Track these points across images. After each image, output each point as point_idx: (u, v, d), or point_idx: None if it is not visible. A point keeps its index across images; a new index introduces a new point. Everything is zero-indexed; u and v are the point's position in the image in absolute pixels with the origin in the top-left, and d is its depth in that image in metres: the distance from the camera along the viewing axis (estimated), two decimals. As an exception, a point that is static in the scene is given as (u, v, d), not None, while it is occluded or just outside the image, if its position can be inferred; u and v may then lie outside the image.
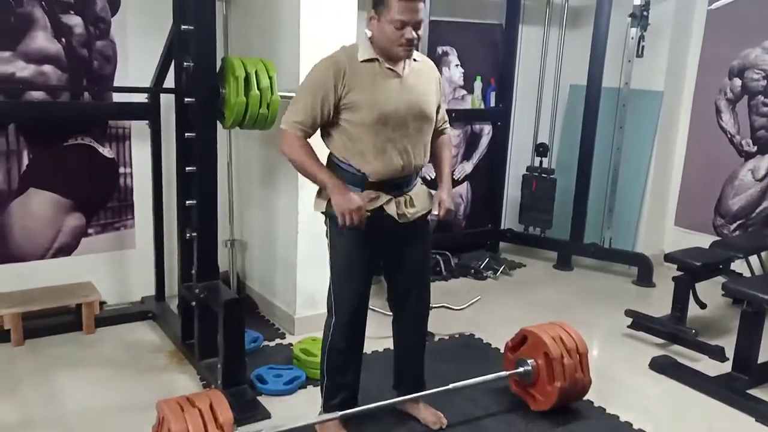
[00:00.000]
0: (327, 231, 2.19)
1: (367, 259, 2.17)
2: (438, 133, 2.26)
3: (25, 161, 3.05)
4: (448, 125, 2.32)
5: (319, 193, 2.14)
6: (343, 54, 2.04)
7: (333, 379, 2.24)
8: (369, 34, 2.03)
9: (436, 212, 2.17)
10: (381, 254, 2.22)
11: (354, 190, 2.04)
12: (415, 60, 2.11)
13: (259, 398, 2.50)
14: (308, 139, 2.06)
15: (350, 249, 2.12)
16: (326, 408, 2.27)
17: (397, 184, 2.10)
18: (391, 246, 2.19)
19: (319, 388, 2.31)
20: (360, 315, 2.21)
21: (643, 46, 4.06)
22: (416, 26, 1.97)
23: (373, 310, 3.36)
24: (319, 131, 2.12)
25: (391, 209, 2.09)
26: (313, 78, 2.04)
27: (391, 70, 2.03)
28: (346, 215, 1.97)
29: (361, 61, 2.01)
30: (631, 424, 2.48)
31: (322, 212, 2.15)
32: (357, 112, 2.01)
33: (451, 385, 2.40)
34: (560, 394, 2.40)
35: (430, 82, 2.15)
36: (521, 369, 2.49)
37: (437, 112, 2.20)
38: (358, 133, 2.02)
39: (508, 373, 2.53)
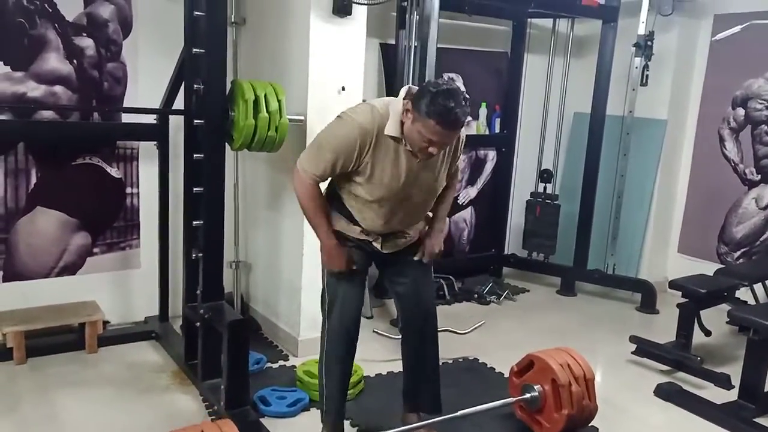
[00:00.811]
0: None
1: (362, 260, 2.23)
2: (449, 183, 2.27)
3: (33, 180, 3.08)
4: (458, 175, 2.35)
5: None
6: (373, 120, 2.00)
7: (329, 384, 2.23)
8: (400, 115, 1.98)
9: (418, 256, 2.27)
10: (379, 264, 2.31)
11: (348, 223, 2.16)
12: None
13: (262, 420, 2.48)
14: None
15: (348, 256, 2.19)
16: (325, 418, 2.25)
17: (391, 234, 2.20)
18: (384, 258, 2.26)
19: (319, 410, 2.30)
20: (354, 313, 2.22)
21: (647, 75, 4.12)
22: (442, 147, 1.97)
23: (378, 333, 3.36)
24: None
25: (378, 244, 2.19)
26: (339, 137, 2.00)
27: (412, 153, 2.01)
28: (331, 264, 2.15)
29: (388, 136, 2.00)
30: (638, 453, 2.45)
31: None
32: (368, 182, 2.05)
33: (460, 413, 2.37)
34: (567, 422, 2.37)
35: (449, 152, 2.13)
36: (528, 395, 2.46)
37: (450, 169, 2.22)
38: (363, 196, 2.08)
39: (515, 399, 2.51)
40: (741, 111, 4.19)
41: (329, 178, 2.12)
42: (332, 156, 2.00)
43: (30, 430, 2.38)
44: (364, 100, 3.23)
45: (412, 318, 2.33)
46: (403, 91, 2.02)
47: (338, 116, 2.07)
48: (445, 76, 4.22)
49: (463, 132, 2.14)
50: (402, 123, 1.98)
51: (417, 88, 1.98)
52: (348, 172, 2.05)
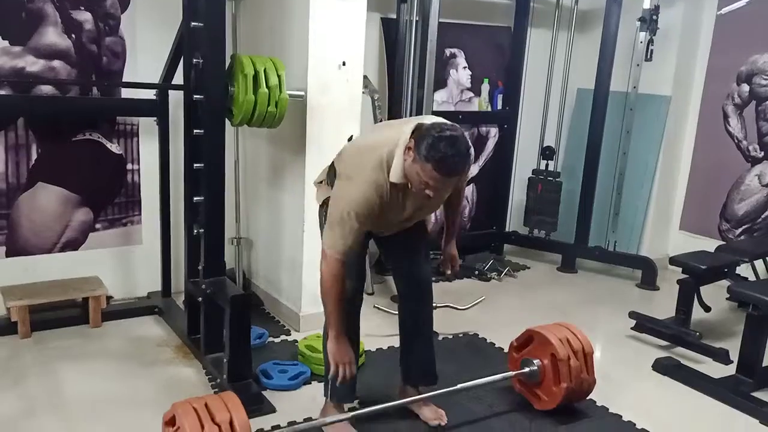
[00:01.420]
0: (323, 218, 2.21)
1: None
2: (458, 199, 2.36)
3: (34, 155, 3.08)
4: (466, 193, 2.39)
5: (320, 185, 2.24)
6: (382, 171, 1.96)
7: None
8: (400, 163, 1.94)
9: (449, 271, 2.43)
10: (377, 238, 2.32)
11: None
12: None
13: (265, 393, 2.51)
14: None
15: None
16: (332, 396, 2.28)
17: None
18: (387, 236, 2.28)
19: (323, 384, 2.33)
20: (356, 290, 2.23)
21: (651, 50, 4.07)
22: (438, 191, 1.94)
23: (379, 308, 3.38)
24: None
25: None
26: (359, 202, 1.95)
27: (415, 194, 2.00)
28: (339, 365, 2.09)
29: (392, 183, 1.97)
30: (634, 424, 2.48)
31: (321, 202, 2.23)
32: (375, 223, 2.07)
33: (459, 386, 2.40)
34: (565, 395, 2.40)
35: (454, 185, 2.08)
36: (527, 369, 2.49)
37: (460, 189, 2.31)
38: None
39: (514, 373, 2.53)
40: (746, 87, 4.15)
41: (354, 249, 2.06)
42: (358, 224, 1.97)
43: (36, 402, 2.42)
44: (365, 77, 3.22)
45: (410, 290, 2.35)
46: (411, 125, 1.95)
47: (346, 175, 2.00)
48: (447, 51, 4.19)
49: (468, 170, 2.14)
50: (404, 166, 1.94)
51: (421, 127, 1.93)
52: None
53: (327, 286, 2.04)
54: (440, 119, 2.01)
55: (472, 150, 1.88)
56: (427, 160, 1.84)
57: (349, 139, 2.36)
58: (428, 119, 2.01)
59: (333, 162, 2.19)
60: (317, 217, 2.29)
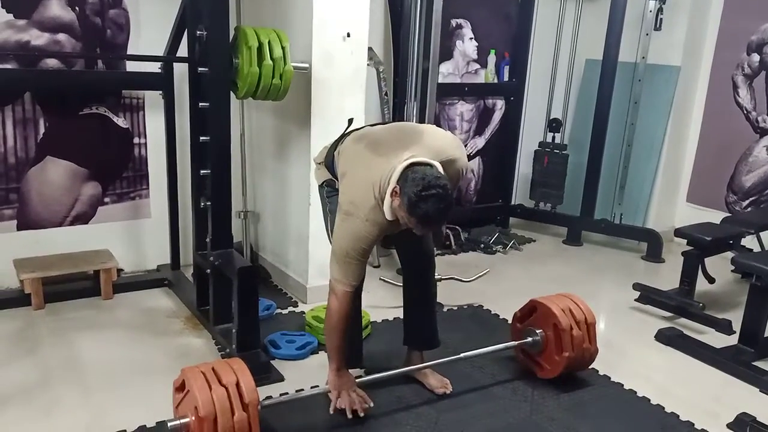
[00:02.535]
0: (325, 198, 2.28)
1: None
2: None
3: (42, 130, 3.10)
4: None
5: (319, 166, 2.28)
6: (376, 210, 2.00)
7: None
8: (389, 202, 1.97)
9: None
10: None
11: None
12: None
13: (273, 362, 2.56)
14: None
15: None
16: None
17: None
18: None
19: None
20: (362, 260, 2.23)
21: (661, 19, 4.00)
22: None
23: (384, 281, 3.42)
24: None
25: None
26: (361, 239, 2.01)
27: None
28: (338, 394, 2.18)
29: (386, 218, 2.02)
30: (635, 392, 2.52)
31: (322, 182, 2.28)
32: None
33: (462, 354, 2.44)
34: (567, 364, 2.44)
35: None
36: (530, 339, 2.52)
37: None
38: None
39: (517, 343, 2.57)
40: (756, 57, 4.09)
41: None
42: (364, 258, 2.06)
43: (51, 370, 2.49)
44: (369, 48, 3.20)
45: (413, 260, 2.40)
46: (397, 173, 1.95)
47: (345, 211, 2.02)
48: (453, 22, 4.14)
49: (465, 165, 2.15)
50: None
51: (410, 171, 1.92)
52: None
53: (334, 322, 2.10)
54: (427, 165, 1.96)
55: (453, 201, 1.95)
56: (410, 213, 1.91)
57: (350, 122, 2.34)
58: (420, 153, 1.99)
59: (333, 148, 2.21)
60: (317, 194, 2.35)
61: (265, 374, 2.44)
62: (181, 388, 1.92)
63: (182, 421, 1.86)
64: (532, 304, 2.57)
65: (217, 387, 1.84)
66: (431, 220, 1.93)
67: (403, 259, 2.46)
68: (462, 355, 2.44)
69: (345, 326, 2.12)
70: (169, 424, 1.87)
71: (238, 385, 1.86)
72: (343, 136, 2.24)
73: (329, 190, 2.28)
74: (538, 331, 2.50)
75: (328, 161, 2.24)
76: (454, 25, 4.17)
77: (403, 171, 1.95)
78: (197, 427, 1.81)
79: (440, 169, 1.98)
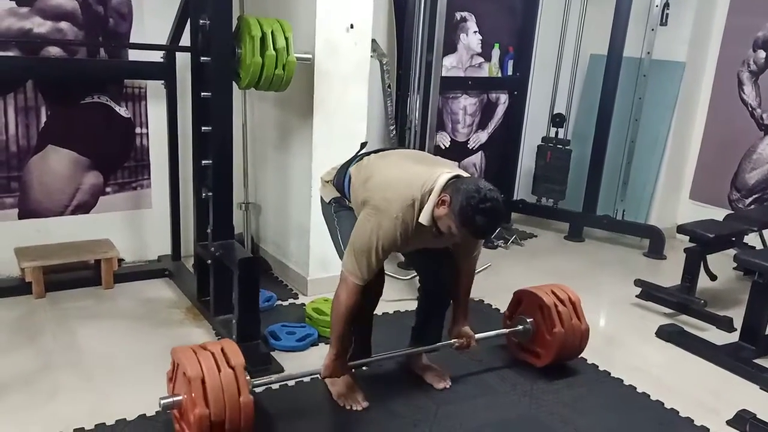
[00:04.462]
0: (333, 214, 2.27)
1: None
2: (466, 259, 2.30)
3: (44, 118, 3.09)
4: (480, 249, 2.34)
5: (327, 184, 2.28)
6: (412, 209, 1.97)
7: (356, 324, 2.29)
8: (431, 209, 1.96)
9: (458, 343, 2.36)
10: None
11: None
12: None
13: (273, 354, 2.57)
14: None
15: None
16: (352, 356, 2.32)
17: None
18: None
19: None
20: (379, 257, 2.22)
21: (667, 14, 3.98)
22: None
23: (387, 274, 3.41)
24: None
25: None
26: (383, 237, 1.98)
27: (437, 234, 2.02)
28: (329, 377, 2.19)
29: (420, 222, 1.98)
30: (635, 387, 2.52)
31: (330, 200, 2.27)
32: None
33: (454, 341, 2.41)
34: (560, 343, 2.45)
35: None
36: (520, 327, 2.56)
37: (473, 251, 2.28)
38: None
39: (508, 330, 2.60)
40: (762, 53, 4.07)
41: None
42: (382, 257, 2.02)
43: (52, 357, 2.49)
44: (373, 40, 3.18)
45: (433, 289, 2.41)
46: (444, 172, 1.98)
47: (374, 206, 2.00)
48: (457, 15, 4.12)
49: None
50: (433, 213, 1.96)
51: (460, 182, 1.92)
52: None
53: (341, 312, 2.08)
54: (475, 179, 1.96)
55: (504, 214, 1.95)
56: (463, 225, 1.88)
57: (362, 146, 2.32)
58: (463, 174, 2.02)
59: (345, 167, 2.20)
60: (320, 210, 2.36)
61: (265, 365, 2.44)
62: (172, 372, 1.97)
63: (175, 398, 1.91)
64: (517, 296, 2.63)
65: (203, 352, 1.92)
66: (484, 233, 1.94)
67: (424, 281, 2.45)
68: (454, 341, 2.40)
69: (351, 317, 2.10)
70: (162, 401, 1.92)
71: (223, 350, 1.94)
72: (356, 157, 2.23)
73: (337, 206, 2.26)
74: (528, 320, 2.55)
75: (339, 179, 2.22)
76: (458, 18, 4.15)
77: (449, 181, 1.95)
78: (187, 390, 1.85)
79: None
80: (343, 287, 2.07)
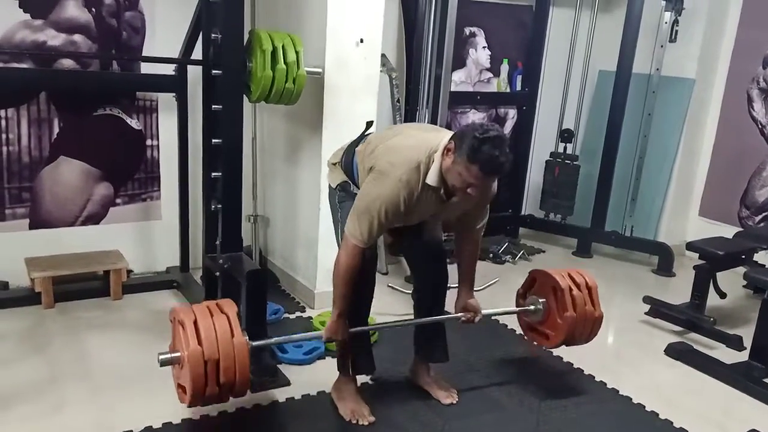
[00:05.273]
0: (337, 204, 2.27)
1: None
2: (471, 228, 2.27)
3: (56, 129, 3.13)
4: (486, 218, 2.31)
5: (334, 167, 2.26)
6: (417, 172, 1.97)
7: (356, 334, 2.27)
8: (438, 167, 1.96)
9: (465, 317, 2.34)
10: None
11: None
12: None
13: (279, 366, 2.56)
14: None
15: None
16: (352, 369, 2.33)
17: None
18: None
19: (336, 359, 2.37)
20: (372, 263, 2.25)
21: (676, 31, 3.99)
22: (481, 192, 1.96)
23: (392, 288, 3.41)
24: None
25: None
26: (385, 197, 1.97)
27: (444, 199, 2.03)
28: (331, 338, 2.17)
29: (428, 185, 1.98)
30: (644, 406, 2.49)
31: (336, 185, 2.26)
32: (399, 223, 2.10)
33: (460, 314, 2.37)
34: (570, 326, 2.41)
35: (480, 198, 2.09)
36: (532, 306, 2.52)
37: (481, 211, 2.24)
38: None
39: (519, 309, 2.57)
40: (772, 70, 4.06)
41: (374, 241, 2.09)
42: (385, 220, 1.99)
43: (61, 367, 2.50)
44: (383, 55, 3.20)
45: (421, 255, 2.38)
46: (446, 140, 1.97)
47: (379, 170, 2.00)
48: (467, 30, 4.15)
49: (496, 184, 2.15)
50: (441, 168, 1.96)
51: (461, 131, 1.95)
52: None
53: (341, 273, 2.07)
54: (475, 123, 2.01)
55: (511, 148, 1.92)
56: (471, 161, 1.86)
57: (368, 124, 2.33)
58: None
59: (352, 148, 2.20)
60: (327, 198, 2.34)
61: (271, 377, 2.44)
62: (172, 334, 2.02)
63: (173, 354, 1.94)
64: (533, 276, 2.58)
65: (199, 306, 1.99)
66: (495, 164, 1.86)
67: (409, 259, 2.45)
68: (460, 315, 2.37)
69: (351, 278, 2.07)
70: (160, 357, 1.94)
71: (218, 304, 1.99)
72: (363, 136, 2.24)
73: (342, 195, 2.26)
74: (540, 300, 2.51)
75: (347, 160, 2.22)
76: (467, 33, 4.17)
77: (453, 135, 1.97)
78: (183, 337, 1.87)
79: None
80: (344, 248, 2.07)
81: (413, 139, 2.06)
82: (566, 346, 2.53)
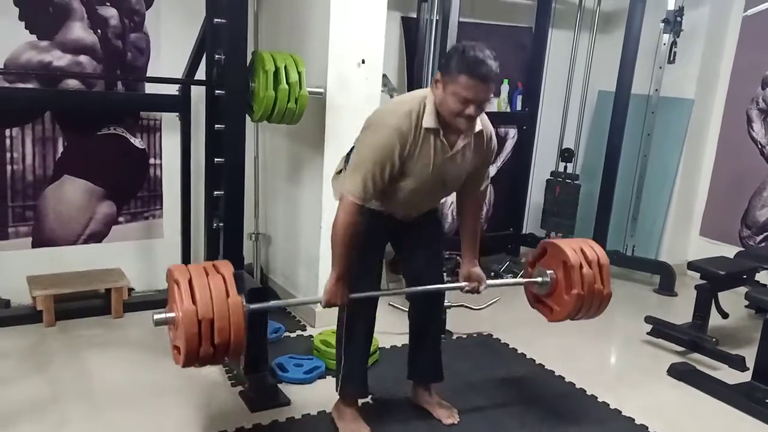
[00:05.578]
0: None
1: (381, 238, 2.26)
2: (474, 193, 2.25)
3: (60, 148, 3.15)
4: (488, 181, 2.30)
5: (338, 176, 2.24)
6: (408, 118, 1.96)
7: (349, 355, 2.27)
8: (433, 97, 1.97)
9: (469, 287, 2.29)
10: (394, 238, 2.31)
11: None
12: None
13: (280, 385, 2.55)
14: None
15: (365, 230, 2.14)
16: (342, 392, 2.31)
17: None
18: (402, 228, 2.25)
19: (335, 379, 2.35)
20: (372, 286, 2.25)
21: (675, 52, 4.03)
22: (481, 105, 1.93)
23: (393, 306, 3.41)
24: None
25: (399, 215, 2.21)
26: (376, 146, 1.96)
27: (444, 144, 2.01)
28: (330, 303, 2.12)
29: (425, 129, 1.97)
30: (647, 427, 2.47)
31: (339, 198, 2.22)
32: (401, 180, 2.04)
33: (465, 284, 2.32)
34: (576, 303, 2.32)
35: (479, 153, 2.11)
36: (539, 278, 2.42)
37: (481, 173, 2.21)
38: (390, 191, 2.06)
39: (526, 280, 2.49)
40: (771, 91, 4.10)
41: (372, 199, 2.05)
42: (378, 168, 1.96)
43: (62, 385, 2.49)
44: (384, 75, 3.24)
45: (419, 304, 2.39)
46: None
47: (368, 123, 2.02)
48: (468, 51, 4.19)
49: (494, 137, 2.14)
50: (436, 106, 1.96)
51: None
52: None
53: (340, 231, 2.03)
54: None
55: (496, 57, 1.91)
56: (459, 72, 1.86)
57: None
58: None
59: (352, 146, 2.20)
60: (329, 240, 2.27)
61: (271, 397, 2.42)
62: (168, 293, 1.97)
63: (168, 315, 1.89)
64: (543, 246, 2.46)
65: (195, 266, 1.94)
66: (482, 68, 1.84)
67: (408, 285, 2.43)
68: (463, 284, 2.31)
69: (350, 237, 2.03)
70: (155, 317, 1.89)
71: (214, 265, 1.94)
72: None
73: None
74: (548, 272, 2.40)
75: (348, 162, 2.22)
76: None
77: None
78: (176, 294, 1.84)
79: None
80: (341, 206, 2.04)
81: (404, 97, 2.08)
82: (570, 320, 2.44)
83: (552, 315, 2.43)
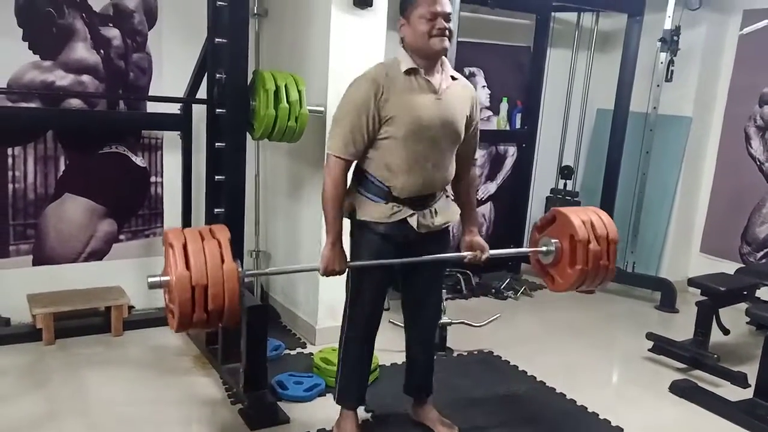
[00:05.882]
0: (352, 233, 2.23)
1: (389, 254, 2.20)
2: (467, 165, 2.27)
3: (62, 167, 3.17)
4: (477, 156, 2.32)
5: (348, 196, 2.18)
6: (380, 68, 2.07)
7: (348, 369, 2.27)
8: (403, 42, 2.07)
9: (471, 256, 2.28)
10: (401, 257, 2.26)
11: (378, 201, 2.10)
12: (453, 78, 2.14)
13: (280, 403, 2.53)
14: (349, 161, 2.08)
15: (374, 252, 2.16)
16: (342, 404, 2.30)
17: (421, 199, 2.14)
18: (411, 253, 2.20)
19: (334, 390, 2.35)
20: (377, 308, 2.26)
21: (672, 71, 4.07)
22: (446, 18, 2.00)
23: (394, 324, 3.39)
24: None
25: (413, 221, 2.13)
26: (352, 98, 2.02)
27: (429, 82, 2.05)
28: (328, 270, 2.11)
29: (404, 72, 2.03)
30: (649, 446, 2.45)
31: (349, 217, 2.21)
32: (391, 125, 2.03)
33: (467, 254, 2.29)
34: (579, 278, 2.27)
35: (466, 103, 2.16)
36: (544, 248, 2.37)
37: (470, 131, 2.21)
38: (389, 147, 2.05)
39: (530, 250, 2.46)
40: (768, 108, 4.13)
41: (362, 149, 2.05)
42: (356, 119, 1.99)
43: (61, 403, 2.48)
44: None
45: (416, 322, 2.40)
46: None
47: (353, 82, 2.09)
48: (466, 70, 4.24)
49: (476, 95, 2.23)
50: (407, 49, 2.05)
51: None
52: (374, 137, 2.04)
53: (328, 192, 2.06)
54: None
55: None
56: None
57: None
58: None
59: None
60: (345, 237, 2.20)
61: (271, 415, 2.41)
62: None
63: (162, 278, 1.86)
64: (552, 214, 2.40)
65: (191, 230, 1.93)
66: None
67: (406, 315, 2.43)
68: (467, 254, 2.29)
69: (339, 195, 2.06)
70: (149, 280, 1.86)
71: (211, 230, 1.92)
72: None
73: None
74: (553, 241, 2.33)
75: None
76: (467, 74, 4.26)
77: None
78: (170, 258, 1.81)
79: None
80: (326, 166, 2.07)
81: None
82: (572, 291, 2.41)
83: (554, 285, 2.41)
